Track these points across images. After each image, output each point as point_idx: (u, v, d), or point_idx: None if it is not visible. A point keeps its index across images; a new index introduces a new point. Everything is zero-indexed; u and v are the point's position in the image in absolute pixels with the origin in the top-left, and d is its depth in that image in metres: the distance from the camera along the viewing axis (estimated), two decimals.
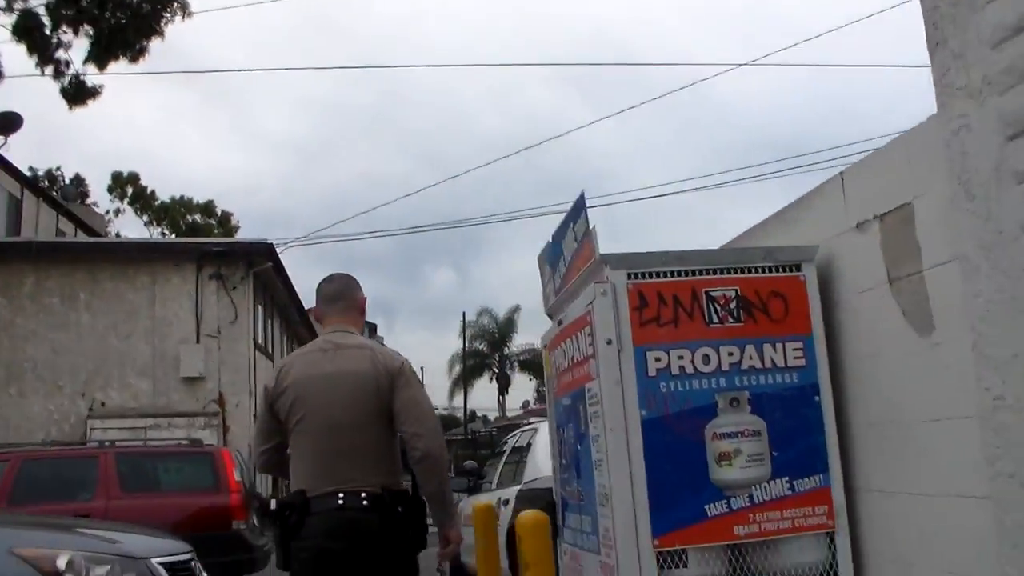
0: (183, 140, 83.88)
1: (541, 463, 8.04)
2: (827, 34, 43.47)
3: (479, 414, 66.34)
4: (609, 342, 4.13)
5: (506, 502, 8.32)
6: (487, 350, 63.33)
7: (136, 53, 17.68)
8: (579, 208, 4.57)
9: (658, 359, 4.15)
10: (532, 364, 64.65)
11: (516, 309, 63.31)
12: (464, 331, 58.36)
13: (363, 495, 3.68)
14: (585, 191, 4.49)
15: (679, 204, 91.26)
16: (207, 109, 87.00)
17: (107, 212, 46.64)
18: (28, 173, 28.11)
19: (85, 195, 46.12)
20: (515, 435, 9.51)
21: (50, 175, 46.04)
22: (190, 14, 17.76)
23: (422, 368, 79.66)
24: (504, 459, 9.29)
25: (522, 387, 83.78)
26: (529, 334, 69.13)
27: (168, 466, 11.60)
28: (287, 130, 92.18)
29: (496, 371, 63.69)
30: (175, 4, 17.65)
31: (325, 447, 3.77)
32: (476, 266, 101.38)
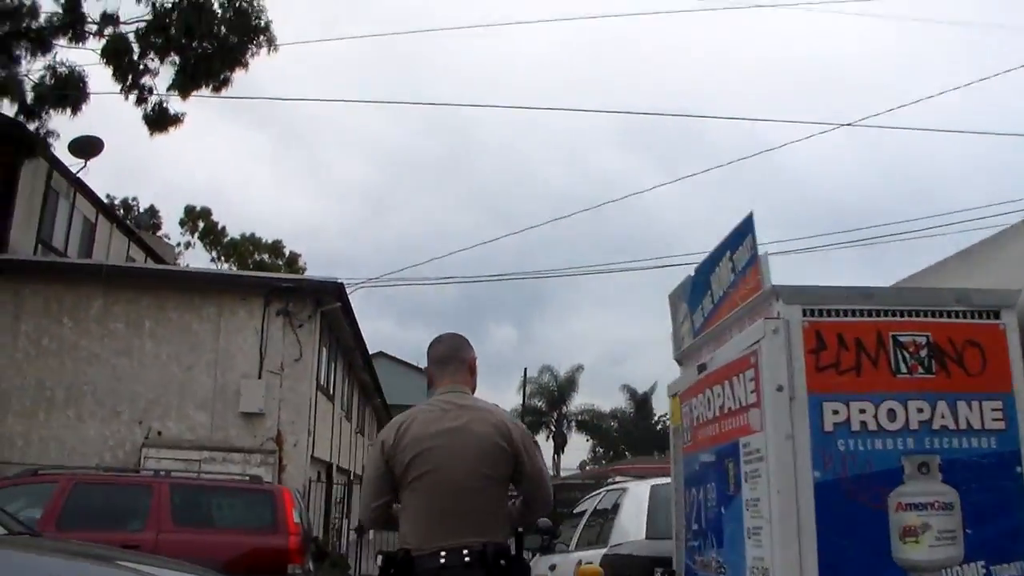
0: (254, 179, 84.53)
1: (629, 526, 7.36)
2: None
3: None
4: (780, 388, 3.45)
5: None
6: (545, 408, 62.39)
7: (219, 83, 17.48)
8: (743, 232, 3.90)
9: (836, 412, 3.48)
10: (589, 424, 63.75)
11: (578, 368, 62.36)
12: (524, 386, 57.57)
13: (465, 552, 3.69)
14: (753, 213, 3.81)
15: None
16: (280, 148, 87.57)
17: (177, 245, 46.83)
18: (105, 199, 27.94)
19: (158, 226, 46.28)
20: (598, 495, 8.81)
21: (125, 204, 46.32)
22: (276, 48, 17.53)
23: None
24: (584, 520, 8.56)
25: (578, 447, 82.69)
26: (588, 394, 68.06)
27: (224, 501, 10.98)
28: (356, 174, 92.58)
29: (553, 429, 62.67)
30: (262, 37, 17.42)
31: (438, 506, 3.81)
32: (538, 323, 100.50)
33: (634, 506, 7.55)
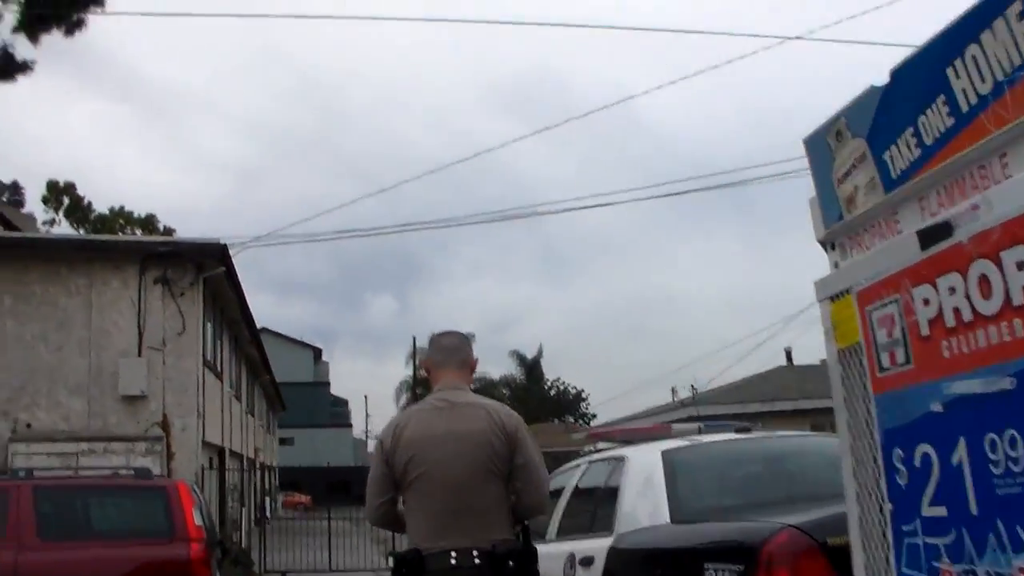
0: (120, 153, 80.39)
1: (639, 508, 5.61)
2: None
3: None
4: None
5: (586, 562, 5.81)
6: None
7: (72, 25, 15.19)
8: None
9: None
10: (480, 393, 61.90)
11: (470, 336, 60.63)
12: (414, 356, 55.57)
13: (475, 552, 3.78)
14: None
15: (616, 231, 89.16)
16: (146, 122, 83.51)
17: (42, 223, 43.33)
18: None
19: (20, 204, 42.77)
20: (576, 467, 6.99)
21: None
22: None
23: (365, 397, 77.66)
24: (564, 501, 6.75)
25: None
26: (480, 360, 66.68)
27: (105, 503, 8.76)
28: (227, 148, 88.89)
29: None
30: None
31: (441, 506, 3.88)
32: (417, 293, 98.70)
33: (641, 481, 5.77)
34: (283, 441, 50.11)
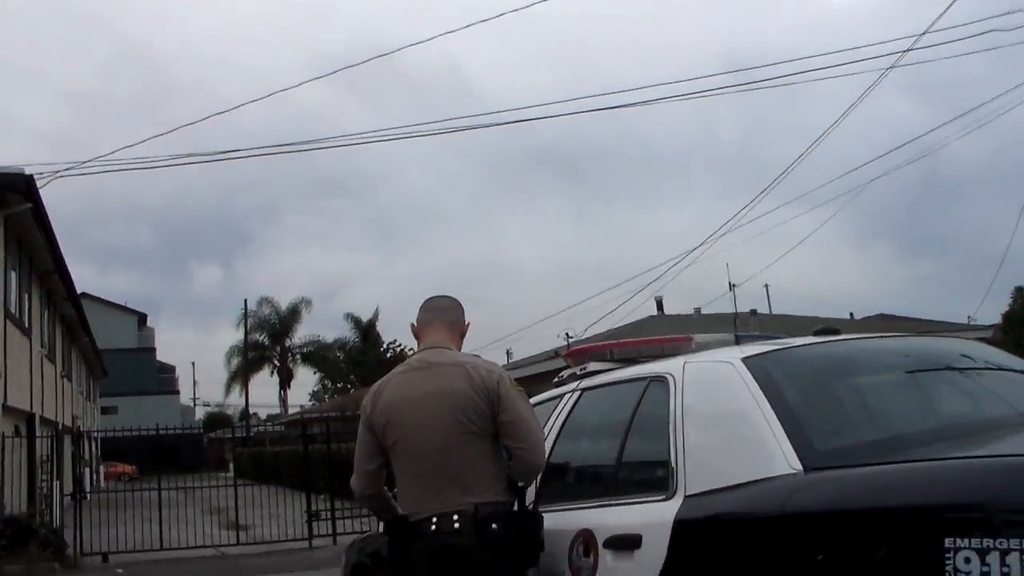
0: None
1: (729, 455, 3.26)
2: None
3: (252, 411, 59.58)
4: None
5: (623, 543, 3.33)
6: (268, 342, 57.31)
7: None
8: None
9: None
10: (314, 356, 59.13)
11: (303, 301, 57.56)
12: (246, 319, 52.04)
13: (455, 516, 3.50)
14: None
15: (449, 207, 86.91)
16: None
17: None
18: None
19: None
20: (559, 400, 4.38)
21: None
22: None
23: (193, 364, 73.07)
24: (550, 447, 4.17)
25: (306, 381, 77.74)
26: (311, 327, 63.84)
27: None
28: (42, 118, 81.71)
29: (278, 364, 57.67)
30: None
31: (421, 470, 3.64)
32: (245, 261, 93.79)
33: (719, 409, 3.45)
34: (106, 410, 45.95)
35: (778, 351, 3.65)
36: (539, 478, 3.95)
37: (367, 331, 59.84)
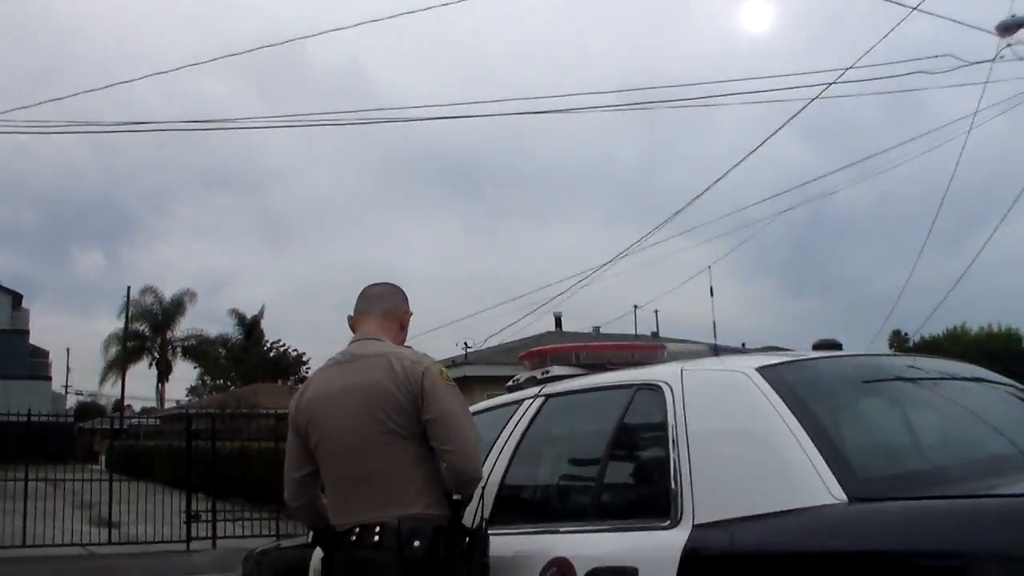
0: None
1: (750, 481, 2.76)
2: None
3: (127, 403, 57.49)
4: None
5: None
6: (149, 332, 55.39)
7: None
8: None
9: None
10: (195, 351, 57.42)
11: (187, 293, 55.80)
12: (128, 307, 50.14)
13: (377, 528, 3.09)
14: None
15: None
16: None
17: None
18: None
19: None
20: (518, 406, 3.77)
21: None
22: None
23: (67, 350, 70.01)
24: (505, 464, 3.58)
25: (185, 375, 75.34)
26: (194, 322, 61.99)
27: None
28: None
29: (157, 356, 55.75)
30: None
31: (342, 476, 3.25)
32: (129, 251, 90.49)
33: (736, 425, 2.98)
34: None
35: (796, 363, 3.19)
36: (490, 492, 3.45)
37: (251, 328, 58.50)
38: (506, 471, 3.57)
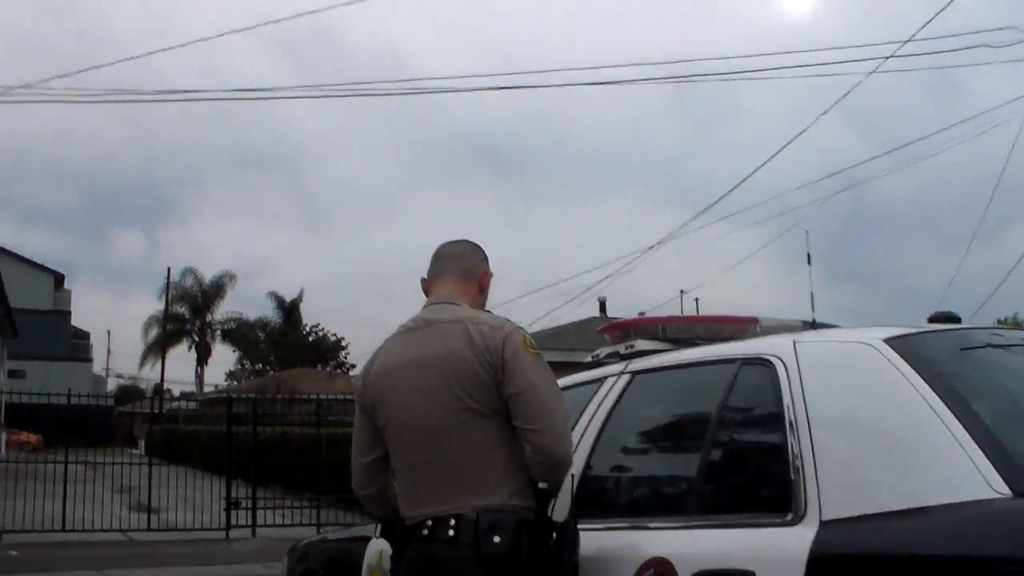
0: None
1: (885, 472, 2.34)
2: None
3: (166, 386, 57.81)
4: None
5: None
6: (189, 315, 55.53)
7: None
8: None
9: None
10: (235, 334, 57.48)
11: (227, 275, 55.81)
12: (168, 289, 50.20)
13: (452, 522, 2.71)
14: None
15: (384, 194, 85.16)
16: None
17: None
18: None
19: None
20: (598, 385, 3.32)
21: None
22: None
23: (108, 332, 70.49)
24: (587, 450, 3.15)
25: (225, 359, 75.61)
26: (233, 304, 62.07)
27: None
28: None
29: (196, 339, 55.87)
30: None
31: (414, 459, 2.89)
32: (167, 232, 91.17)
33: (861, 401, 2.55)
34: (13, 373, 43.77)
35: (928, 334, 2.78)
36: (576, 481, 3.04)
37: (290, 312, 58.47)
38: (589, 458, 3.18)
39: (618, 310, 33.29)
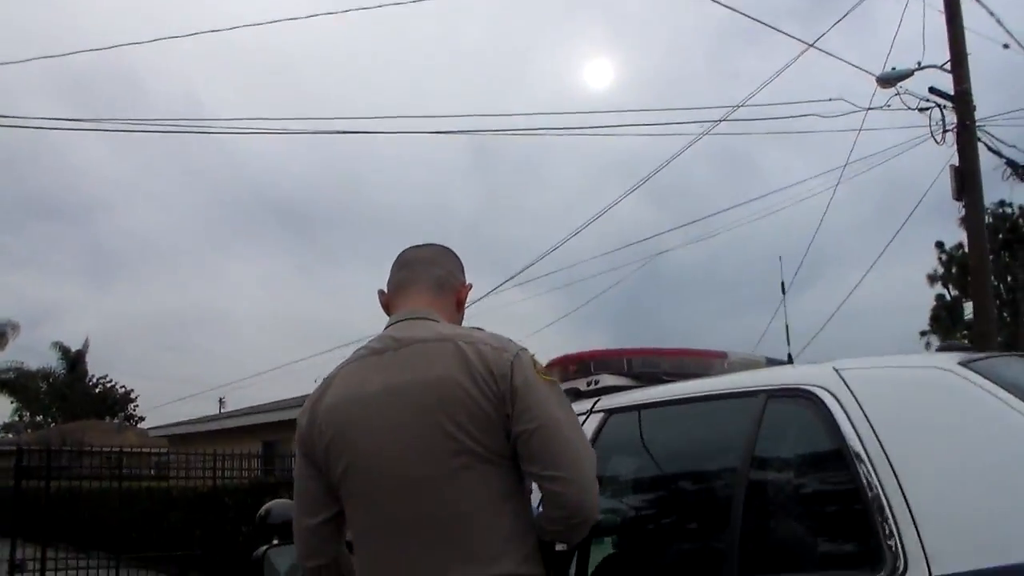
0: None
1: (986, 521, 1.93)
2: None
3: None
4: None
5: None
6: None
7: None
8: None
9: None
10: (14, 384, 53.70)
11: (10, 324, 52.10)
12: None
13: None
14: None
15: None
16: None
17: None
18: None
19: None
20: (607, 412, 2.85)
21: None
22: None
23: None
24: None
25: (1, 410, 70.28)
26: (20, 352, 58.14)
27: None
28: None
29: None
30: None
31: (385, 519, 2.14)
32: None
33: (956, 436, 2.12)
34: None
35: (996, 358, 2.43)
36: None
37: (75, 362, 55.23)
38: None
39: None
